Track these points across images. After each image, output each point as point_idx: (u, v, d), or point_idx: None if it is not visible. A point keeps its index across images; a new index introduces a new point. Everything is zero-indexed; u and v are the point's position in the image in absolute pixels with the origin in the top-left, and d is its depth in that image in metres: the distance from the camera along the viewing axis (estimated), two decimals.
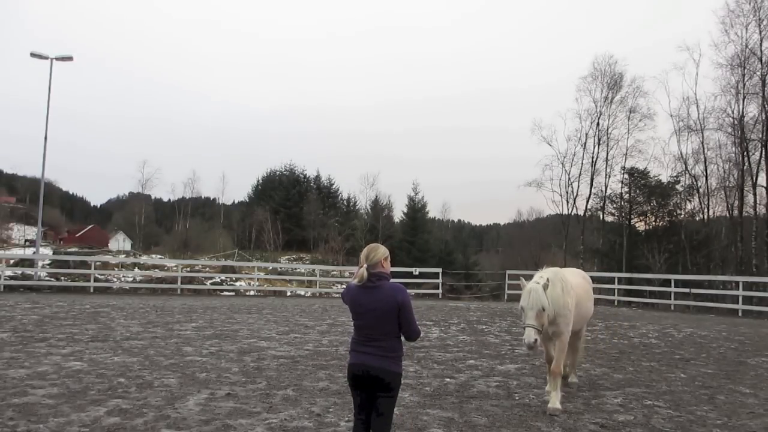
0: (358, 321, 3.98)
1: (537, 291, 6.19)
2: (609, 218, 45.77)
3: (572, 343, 7.42)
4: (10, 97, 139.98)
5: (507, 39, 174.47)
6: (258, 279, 29.21)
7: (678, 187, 41.95)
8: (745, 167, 34.42)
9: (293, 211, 71.28)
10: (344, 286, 25.82)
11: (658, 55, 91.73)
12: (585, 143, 43.33)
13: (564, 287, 6.82)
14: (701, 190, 38.94)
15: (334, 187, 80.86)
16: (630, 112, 41.90)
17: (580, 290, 7.47)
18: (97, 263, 28.05)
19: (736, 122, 34.67)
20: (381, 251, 4.07)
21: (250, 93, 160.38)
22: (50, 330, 11.42)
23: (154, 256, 48.41)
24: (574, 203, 44.33)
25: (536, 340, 5.98)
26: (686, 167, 39.40)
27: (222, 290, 26.40)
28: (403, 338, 4.03)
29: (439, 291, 27.26)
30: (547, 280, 6.44)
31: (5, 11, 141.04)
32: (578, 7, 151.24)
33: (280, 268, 37.74)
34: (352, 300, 4.01)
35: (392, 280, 4.06)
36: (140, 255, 52.00)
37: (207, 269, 33.06)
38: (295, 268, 39.24)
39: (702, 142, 37.47)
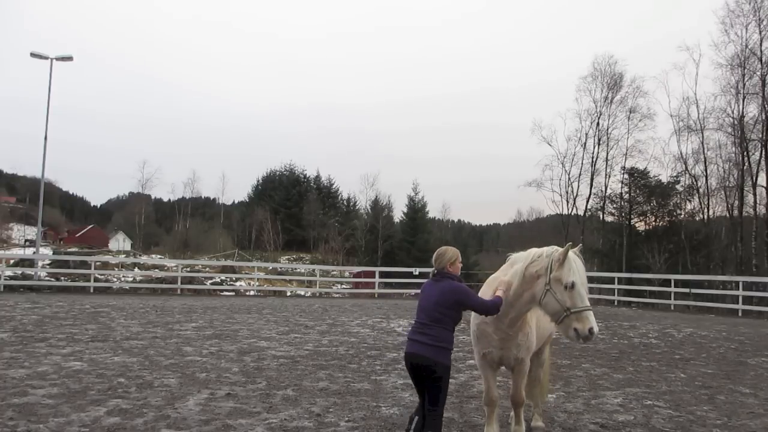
0: (420, 303, 4.51)
1: (580, 260, 4.64)
2: (609, 218, 45.83)
3: (531, 371, 5.49)
4: (10, 97, 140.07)
5: (507, 37, 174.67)
6: (258, 279, 29.23)
7: (678, 187, 42.02)
8: (745, 167, 34.44)
9: (293, 211, 71.35)
10: (341, 286, 26.12)
11: (658, 52, 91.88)
12: (585, 143, 43.43)
13: None
14: (701, 190, 38.99)
15: (334, 187, 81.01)
16: (630, 112, 42.02)
17: None
18: (97, 263, 28.08)
19: (736, 122, 34.69)
20: (447, 257, 4.53)
21: (250, 92, 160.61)
22: (50, 330, 11.41)
23: (154, 256, 48.47)
24: (574, 203, 44.43)
25: None
26: (686, 167, 39.46)
27: (222, 290, 26.40)
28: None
29: None
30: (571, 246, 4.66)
31: (5, 10, 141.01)
32: (578, 6, 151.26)
33: (280, 268, 37.78)
34: (422, 290, 4.58)
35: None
36: (140, 255, 52.04)
37: (207, 269, 33.07)
38: (295, 268, 39.26)
39: (702, 142, 37.54)
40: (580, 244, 5.10)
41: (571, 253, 4.58)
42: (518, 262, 4.84)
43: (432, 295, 4.40)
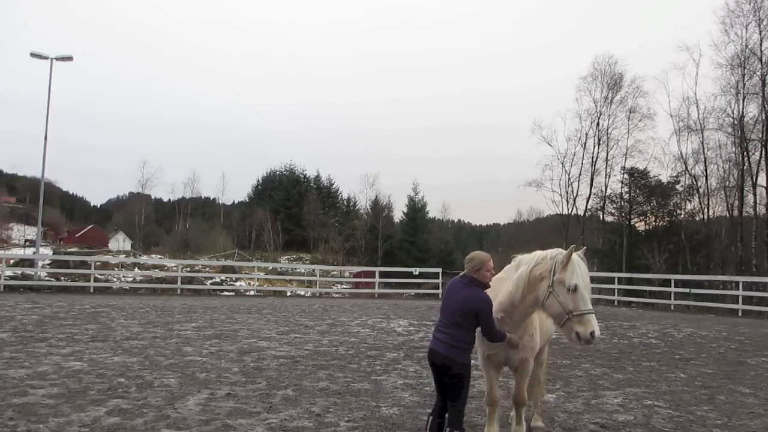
0: (443, 303, 4.62)
1: (584, 263, 4.65)
2: (609, 218, 45.86)
3: (532, 371, 5.39)
4: (10, 97, 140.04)
5: (507, 37, 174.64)
6: (258, 279, 29.21)
7: (678, 187, 42.04)
8: (745, 167, 34.45)
9: (293, 211, 71.35)
10: (341, 286, 26.14)
11: (658, 52, 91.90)
12: (585, 143, 43.47)
13: None
14: (701, 190, 39.00)
15: (334, 187, 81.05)
16: (630, 112, 42.07)
17: None
18: (97, 263, 28.07)
19: (736, 122, 34.70)
20: (471, 263, 4.56)
21: (250, 92, 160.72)
22: (50, 330, 11.41)
23: (154, 256, 48.45)
24: (574, 203, 44.45)
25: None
26: (686, 167, 39.48)
27: (222, 290, 26.39)
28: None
29: (439, 291, 27.23)
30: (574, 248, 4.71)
31: (5, 10, 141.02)
32: (578, 5, 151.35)
33: (280, 268, 37.75)
34: (448, 288, 4.67)
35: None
36: (140, 255, 52.03)
37: (207, 269, 33.06)
38: (295, 268, 39.24)
39: (702, 142, 37.57)
40: (585, 247, 5.13)
41: (574, 256, 4.57)
42: (523, 264, 4.86)
43: (456, 300, 4.48)
